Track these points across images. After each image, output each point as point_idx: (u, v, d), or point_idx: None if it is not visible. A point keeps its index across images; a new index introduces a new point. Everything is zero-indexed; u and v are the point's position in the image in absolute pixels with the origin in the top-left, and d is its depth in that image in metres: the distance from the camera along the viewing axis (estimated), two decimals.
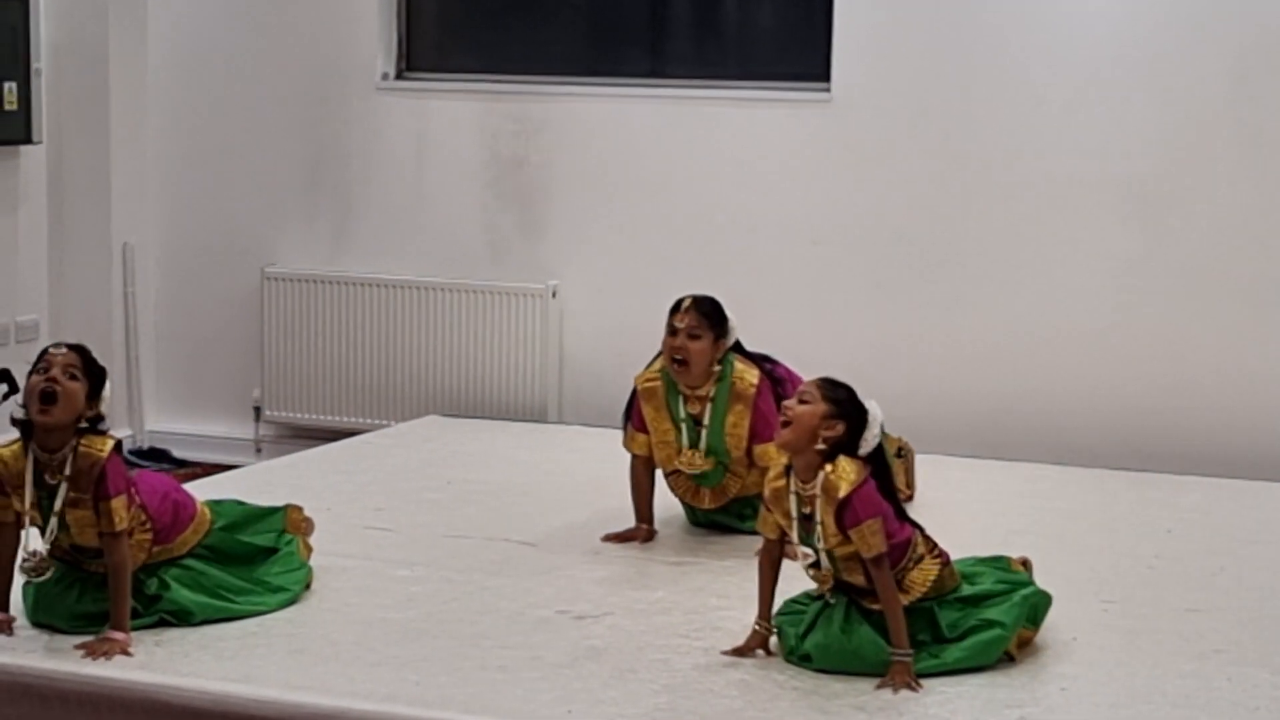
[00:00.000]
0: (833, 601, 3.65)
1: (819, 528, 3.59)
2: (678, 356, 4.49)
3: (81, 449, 3.67)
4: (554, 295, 6.47)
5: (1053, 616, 3.88)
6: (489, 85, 6.59)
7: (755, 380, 4.53)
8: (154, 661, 3.62)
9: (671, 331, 4.51)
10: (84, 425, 3.68)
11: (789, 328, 5.91)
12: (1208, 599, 4.26)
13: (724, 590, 4.22)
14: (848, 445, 3.58)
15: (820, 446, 3.57)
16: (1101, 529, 4.94)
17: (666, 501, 4.78)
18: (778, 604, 3.81)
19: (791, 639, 3.68)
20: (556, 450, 5.86)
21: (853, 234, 6.18)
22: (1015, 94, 5.98)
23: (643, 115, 6.40)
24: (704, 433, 4.54)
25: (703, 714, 3.42)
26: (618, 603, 4.09)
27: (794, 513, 3.63)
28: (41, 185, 6.65)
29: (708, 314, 4.51)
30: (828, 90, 6.16)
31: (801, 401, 3.60)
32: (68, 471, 3.66)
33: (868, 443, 3.60)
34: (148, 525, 3.79)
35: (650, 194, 6.41)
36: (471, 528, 4.78)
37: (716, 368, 4.53)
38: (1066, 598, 4.16)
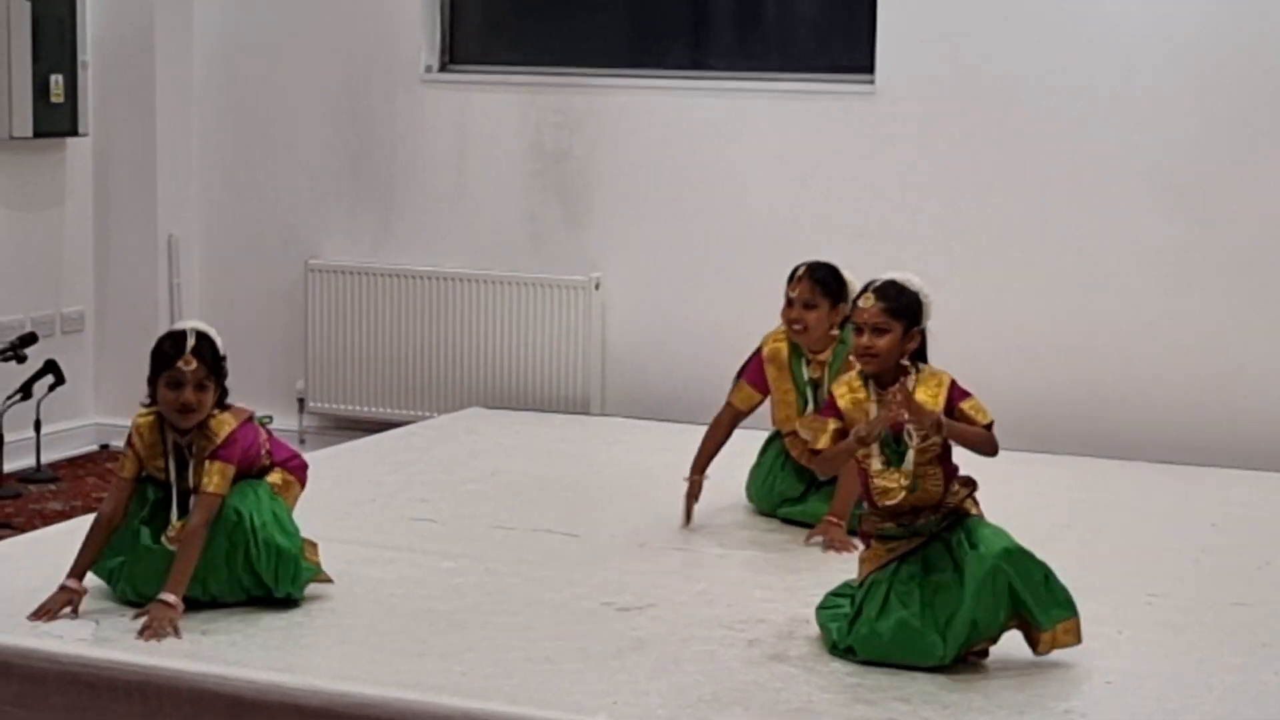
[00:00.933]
0: (874, 583, 3.65)
1: (907, 428, 3.61)
2: (796, 326, 4.60)
3: (207, 430, 3.84)
4: (596, 287, 6.47)
5: (1098, 611, 3.86)
6: (532, 77, 6.60)
7: None
8: (201, 651, 3.64)
9: (788, 302, 4.62)
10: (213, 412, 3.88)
11: None
12: (1254, 593, 4.24)
13: (768, 582, 4.22)
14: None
15: (904, 362, 3.69)
16: (1146, 523, 4.92)
17: (723, 491, 4.77)
18: (817, 597, 3.82)
19: (834, 633, 3.68)
20: (599, 442, 5.86)
21: (896, 225, 6.16)
22: (1059, 85, 5.94)
23: (685, 107, 6.39)
24: (821, 395, 4.59)
25: (746, 705, 3.42)
26: (662, 594, 4.10)
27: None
28: (88, 177, 6.70)
29: (821, 281, 4.60)
30: (871, 82, 6.14)
31: (878, 331, 3.65)
32: (194, 449, 3.85)
33: (926, 318, 3.73)
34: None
35: (693, 186, 6.40)
36: (515, 519, 4.79)
37: (836, 332, 4.60)
38: (1111, 591, 4.14)
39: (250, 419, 3.96)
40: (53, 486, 6.08)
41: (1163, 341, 5.89)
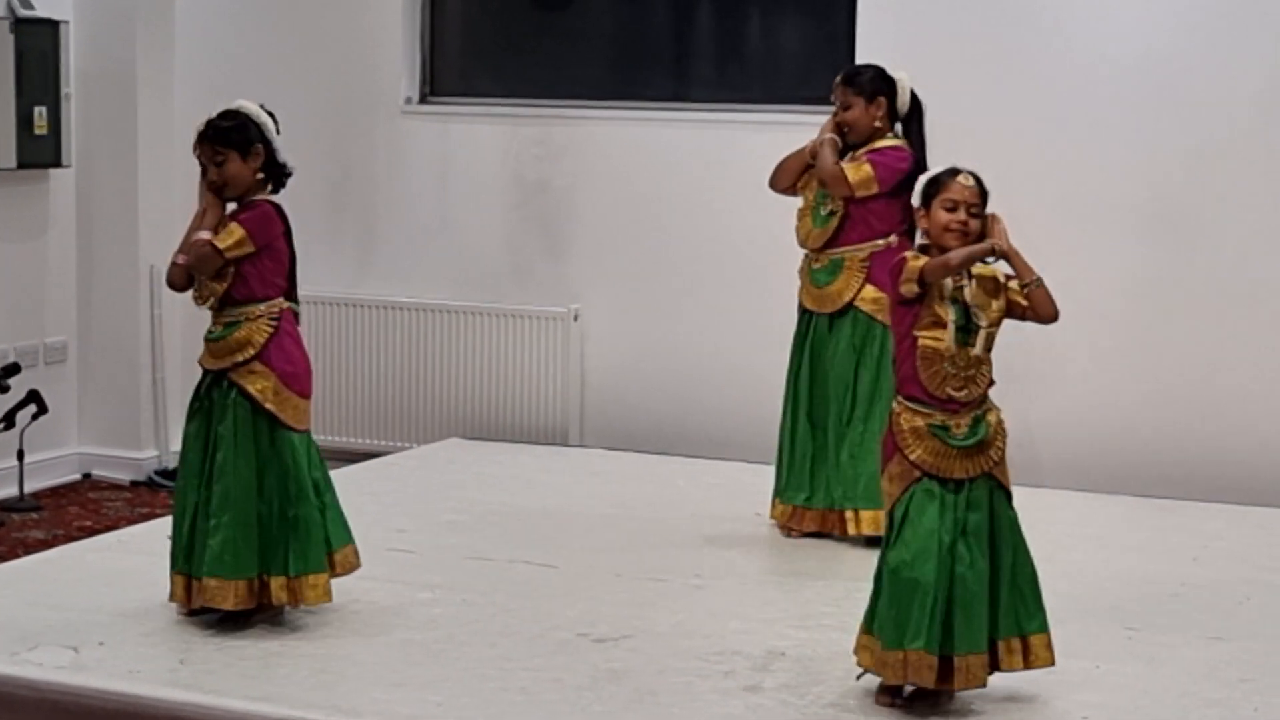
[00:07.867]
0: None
1: (978, 309, 3.72)
2: (845, 129, 5.03)
3: (247, 199, 4.02)
4: (576, 318, 6.48)
5: (1076, 644, 3.86)
6: (512, 109, 6.62)
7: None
8: (179, 679, 3.64)
9: (835, 111, 5.05)
10: (261, 178, 4.03)
11: None
12: (1233, 627, 4.24)
13: (745, 613, 4.22)
14: None
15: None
16: (1125, 556, 4.92)
17: (703, 522, 4.77)
18: (794, 629, 3.80)
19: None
20: (578, 473, 5.87)
21: None
22: (1040, 115, 5.97)
23: (666, 139, 6.41)
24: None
25: None
26: (638, 625, 4.10)
27: (948, 291, 3.72)
28: (70, 209, 6.69)
29: (850, 82, 5.04)
30: None
31: (975, 214, 3.76)
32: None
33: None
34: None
35: (673, 217, 6.42)
36: (493, 550, 4.79)
37: (879, 125, 5.01)
38: (1090, 624, 4.15)
39: (276, 206, 4.02)
40: (35, 515, 6.06)
41: (1141, 371, 5.91)
